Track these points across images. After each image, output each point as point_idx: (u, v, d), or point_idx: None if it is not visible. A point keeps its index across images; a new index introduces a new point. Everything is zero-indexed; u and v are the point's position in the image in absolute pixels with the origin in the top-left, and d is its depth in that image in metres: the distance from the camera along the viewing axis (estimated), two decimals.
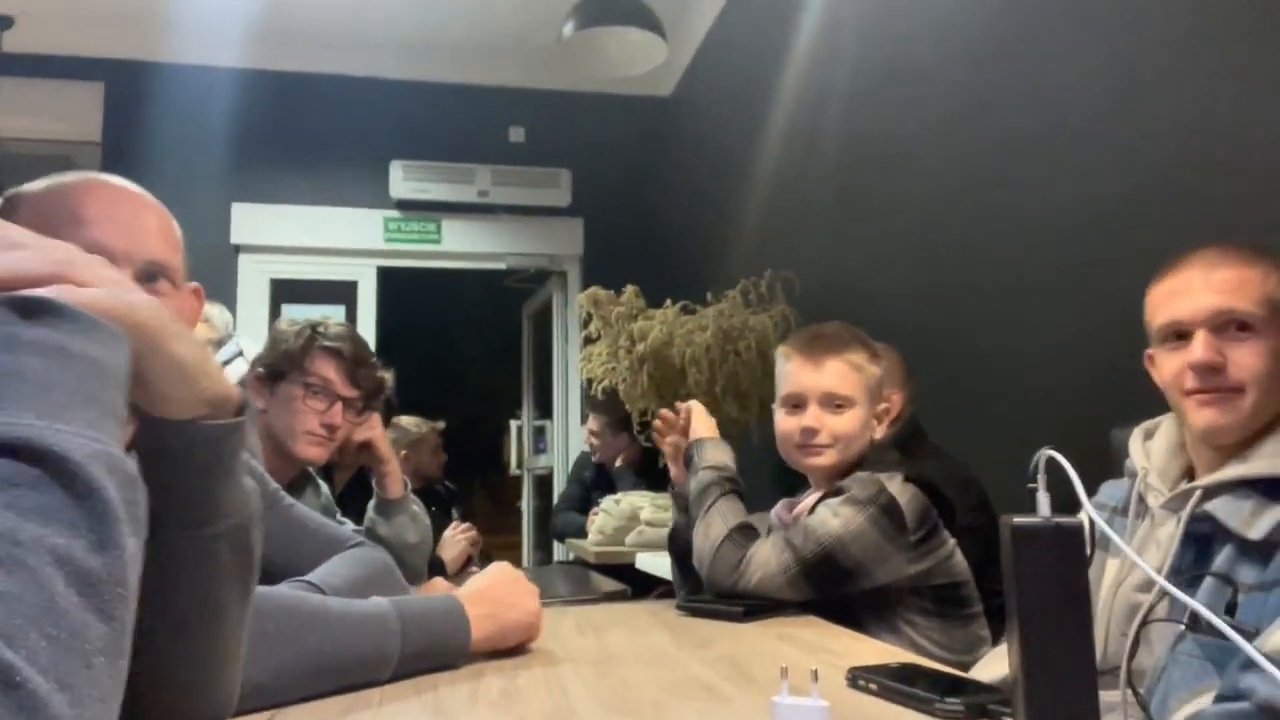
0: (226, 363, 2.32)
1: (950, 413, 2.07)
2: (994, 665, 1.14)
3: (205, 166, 4.20)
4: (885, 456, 1.46)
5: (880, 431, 1.50)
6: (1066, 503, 0.65)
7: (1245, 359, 1.03)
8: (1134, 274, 1.17)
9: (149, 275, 0.94)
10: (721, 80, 3.96)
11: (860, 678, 0.86)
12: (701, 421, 1.59)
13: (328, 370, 1.74)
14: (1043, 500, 0.61)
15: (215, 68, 4.31)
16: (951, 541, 1.38)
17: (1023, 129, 1.94)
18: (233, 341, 2.40)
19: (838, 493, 1.38)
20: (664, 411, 1.66)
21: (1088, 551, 0.61)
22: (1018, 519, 0.60)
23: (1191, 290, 1.07)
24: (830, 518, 1.34)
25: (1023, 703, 0.62)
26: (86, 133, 4.20)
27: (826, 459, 1.46)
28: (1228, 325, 1.04)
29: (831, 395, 1.46)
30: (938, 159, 2.27)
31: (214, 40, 4.16)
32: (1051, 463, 0.64)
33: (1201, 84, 1.50)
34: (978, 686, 0.83)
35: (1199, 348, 1.04)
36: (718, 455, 1.54)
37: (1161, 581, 0.67)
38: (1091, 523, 0.64)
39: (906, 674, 0.86)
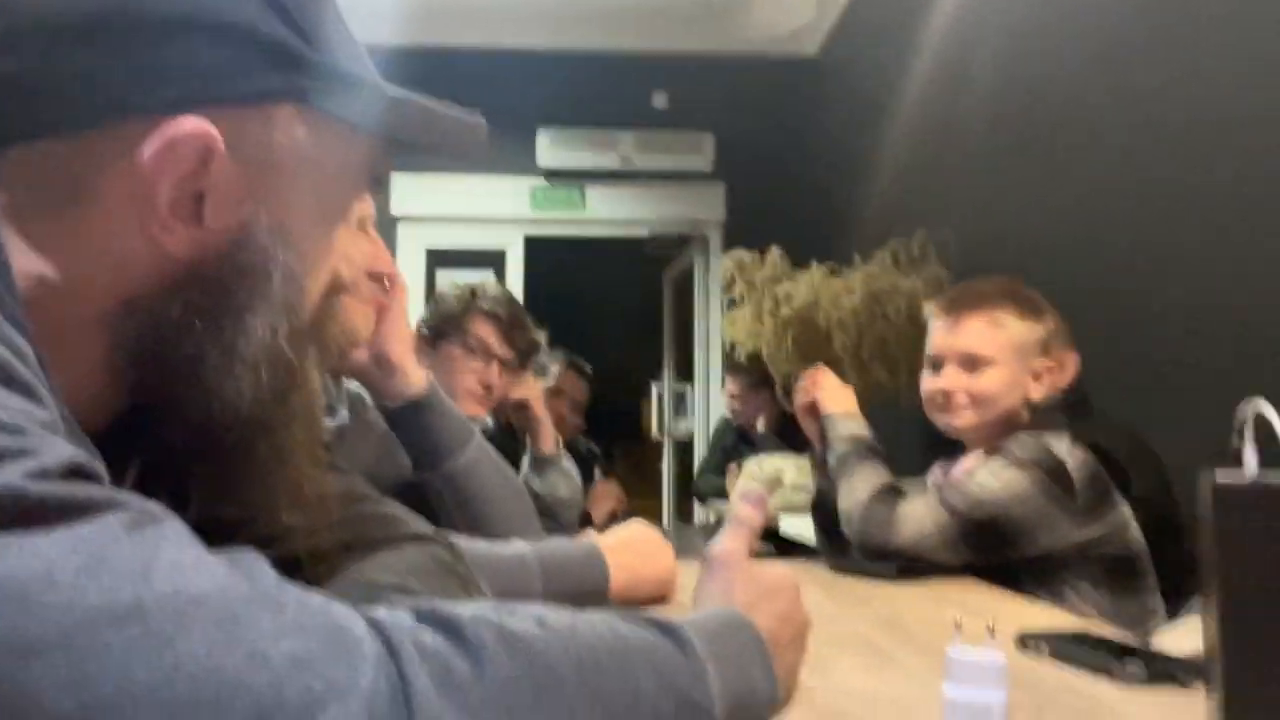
0: None
1: (1124, 382, 1.95)
2: (1176, 639, 1.08)
3: None
4: (1050, 419, 1.40)
5: (1040, 391, 1.44)
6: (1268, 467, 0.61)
7: None
8: None
9: None
10: (870, 35, 3.82)
11: (1031, 640, 0.83)
12: (833, 394, 1.57)
13: (485, 332, 1.81)
14: (1250, 457, 0.57)
15: (371, 46, 4.50)
16: (1125, 509, 1.31)
17: (1214, 66, 1.78)
18: None
19: (998, 454, 1.34)
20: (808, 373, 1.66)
21: None
22: (1221, 477, 0.57)
23: None
24: (990, 479, 1.30)
25: (1220, 675, 0.59)
26: None
27: (964, 420, 1.46)
28: None
29: (969, 355, 1.44)
30: (1112, 104, 2.12)
31: (368, 20, 4.35)
32: (1256, 421, 0.59)
33: None
34: (1159, 654, 0.79)
35: None
36: (850, 427, 1.52)
37: None
38: None
39: (1081, 638, 0.83)
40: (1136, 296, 2.00)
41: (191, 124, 0.46)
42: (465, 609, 0.44)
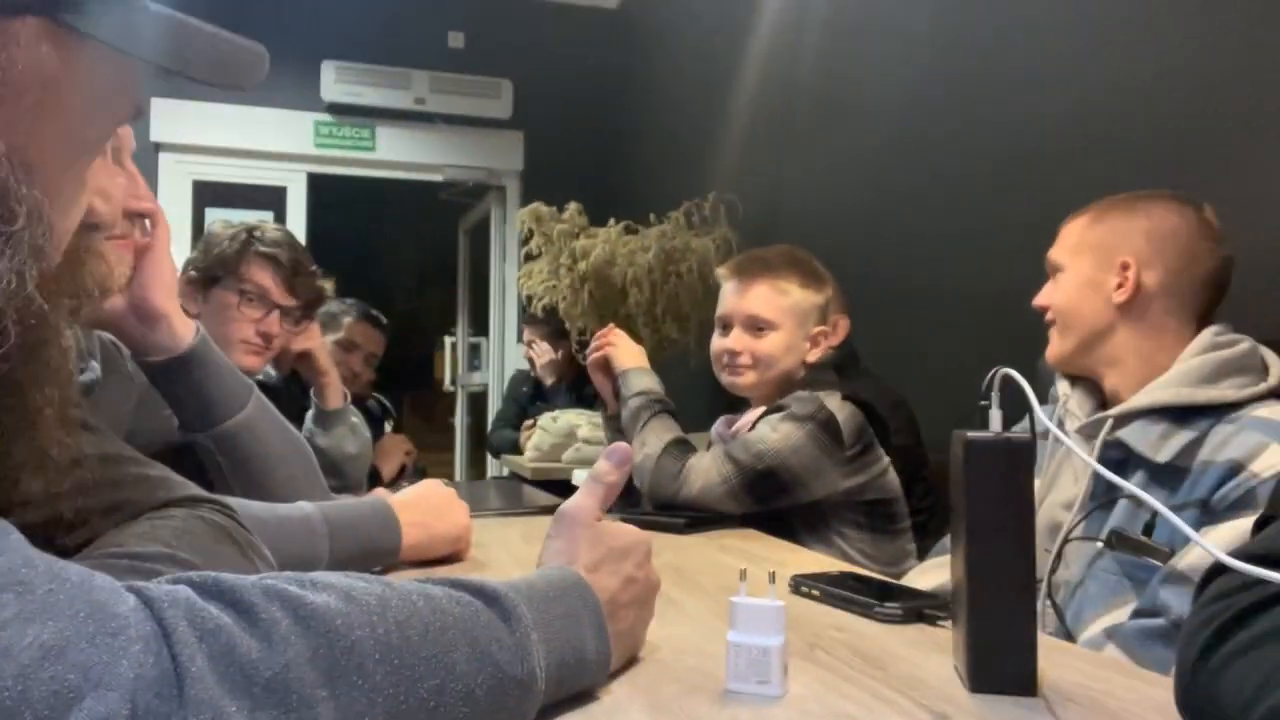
0: None
1: (884, 340, 2.12)
2: (925, 577, 1.20)
3: None
4: (823, 376, 1.50)
5: (816, 354, 1.55)
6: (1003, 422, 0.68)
7: (1052, 297, 1.18)
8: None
9: None
10: None
11: (803, 584, 0.90)
12: (626, 351, 1.62)
13: (264, 277, 1.68)
14: (995, 416, 0.64)
15: None
16: (885, 459, 1.44)
17: (977, 66, 1.95)
18: None
19: (778, 409, 1.42)
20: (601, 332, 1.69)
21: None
22: (971, 433, 0.63)
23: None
24: (770, 433, 1.38)
25: (964, 608, 0.66)
26: None
27: (746, 379, 1.55)
28: (1051, 271, 1.20)
29: (754, 318, 1.52)
30: (890, 86, 2.28)
31: None
32: (1001, 382, 0.66)
33: (1161, 32, 1.53)
34: (913, 593, 0.88)
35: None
36: (643, 382, 1.58)
37: (1158, 506, 0.71)
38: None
39: (846, 581, 0.91)
40: (903, 267, 2.18)
41: None
42: (257, 582, 0.41)
